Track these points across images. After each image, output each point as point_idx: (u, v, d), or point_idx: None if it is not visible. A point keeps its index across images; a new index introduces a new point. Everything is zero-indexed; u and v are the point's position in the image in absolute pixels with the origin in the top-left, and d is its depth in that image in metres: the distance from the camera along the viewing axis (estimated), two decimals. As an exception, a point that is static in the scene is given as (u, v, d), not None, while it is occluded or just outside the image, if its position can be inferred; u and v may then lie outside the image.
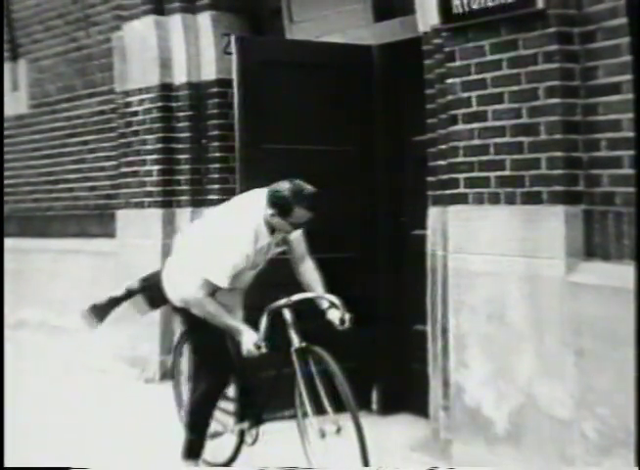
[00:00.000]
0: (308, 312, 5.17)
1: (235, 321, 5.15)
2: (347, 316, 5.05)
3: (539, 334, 5.07)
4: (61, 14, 9.77)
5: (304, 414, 5.19)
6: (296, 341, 5.09)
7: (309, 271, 5.29)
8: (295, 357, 5.09)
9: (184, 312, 5.33)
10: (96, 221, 9.28)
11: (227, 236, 5.06)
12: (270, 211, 5.00)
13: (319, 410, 5.04)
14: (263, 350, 4.98)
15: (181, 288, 5.25)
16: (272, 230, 5.11)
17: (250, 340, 5.01)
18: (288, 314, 5.13)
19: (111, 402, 7.22)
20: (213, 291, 5.09)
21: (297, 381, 5.14)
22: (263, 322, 5.06)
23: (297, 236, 5.25)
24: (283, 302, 5.14)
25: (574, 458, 4.89)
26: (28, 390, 7.39)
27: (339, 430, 4.92)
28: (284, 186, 4.96)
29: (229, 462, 5.58)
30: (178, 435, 6.31)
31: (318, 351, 5.02)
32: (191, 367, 5.90)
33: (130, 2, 8.33)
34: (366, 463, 4.77)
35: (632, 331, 4.41)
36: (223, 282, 5.03)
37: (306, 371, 5.07)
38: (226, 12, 7.96)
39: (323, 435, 5.01)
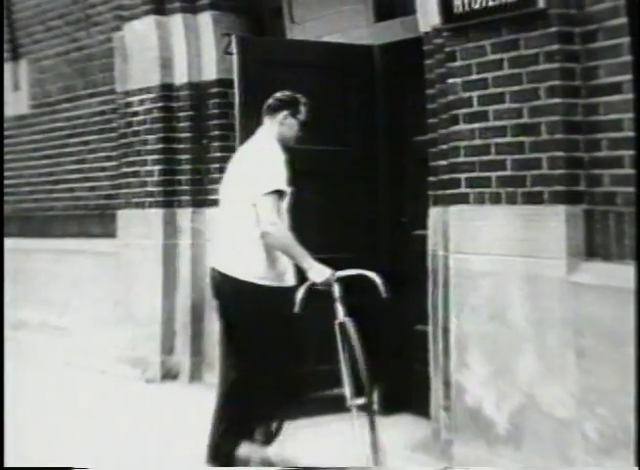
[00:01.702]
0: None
1: (304, 253, 5.17)
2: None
3: (540, 334, 5.06)
4: (61, 14, 9.77)
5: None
6: (340, 315, 5.17)
7: None
8: (337, 331, 5.16)
9: (237, 296, 5.23)
10: (97, 221, 9.28)
11: (257, 155, 5.29)
12: (282, 115, 5.38)
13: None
14: (335, 287, 5.13)
15: (244, 236, 5.20)
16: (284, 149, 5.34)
17: (320, 275, 5.13)
18: (335, 288, 5.19)
19: (111, 403, 7.22)
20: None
21: (338, 354, 5.18)
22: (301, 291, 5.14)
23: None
24: (321, 280, 5.15)
25: (575, 459, 4.88)
26: (28, 390, 7.39)
27: (368, 405, 5.10)
28: (283, 92, 5.49)
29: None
30: (178, 435, 6.32)
31: (348, 326, 5.11)
32: (227, 358, 5.71)
33: (131, 2, 8.33)
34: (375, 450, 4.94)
35: (633, 331, 4.41)
36: (282, 184, 5.16)
37: (348, 346, 5.14)
38: (227, 12, 7.97)
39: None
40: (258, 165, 5.22)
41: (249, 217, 5.20)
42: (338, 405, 5.31)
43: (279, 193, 5.18)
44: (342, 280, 5.22)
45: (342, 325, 5.17)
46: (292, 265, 5.30)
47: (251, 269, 5.20)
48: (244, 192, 5.23)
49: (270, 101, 5.47)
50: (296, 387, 5.39)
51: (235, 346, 5.41)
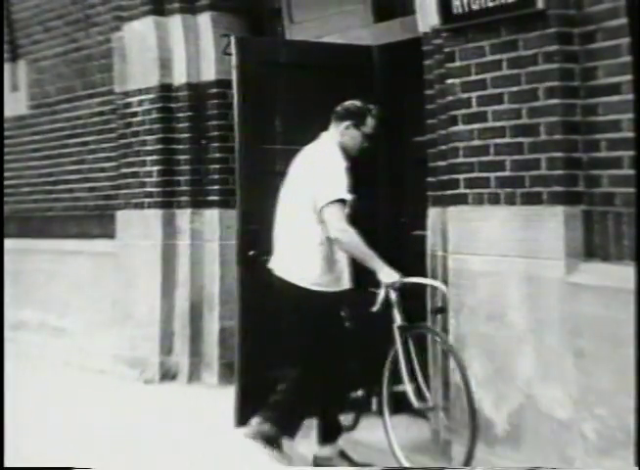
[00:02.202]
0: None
1: (373, 256, 5.34)
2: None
3: (539, 335, 5.06)
4: (60, 14, 9.76)
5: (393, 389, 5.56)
6: (398, 319, 5.39)
7: None
8: (397, 334, 5.40)
9: (304, 297, 5.40)
10: (96, 222, 9.28)
11: (320, 162, 5.42)
12: (345, 124, 5.48)
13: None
14: (393, 292, 5.34)
15: (308, 244, 5.39)
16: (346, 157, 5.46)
17: (389, 276, 5.33)
18: (393, 294, 5.37)
19: (110, 403, 7.22)
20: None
21: (396, 357, 5.43)
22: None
23: None
24: (390, 281, 5.36)
25: (574, 459, 4.88)
26: (28, 390, 7.39)
27: (430, 409, 5.46)
28: (353, 102, 5.54)
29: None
30: (178, 435, 6.32)
31: (435, 331, 5.45)
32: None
33: (130, 3, 8.33)
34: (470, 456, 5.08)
35: (632, 332, 4.41)
36: (344, 193, 5.29)
37: (406, 349, 5.40)
38: (226, 12, 7.98)
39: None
40: (321, 173, 5.37)
41: (308, 223, 5.38)
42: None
43: (342, 201, 5.32)
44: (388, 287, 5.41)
45: (400, 329, 5.40)
46: (348, 270, 5.50)
47: (307, 275, 5.40)
48: (304, 198, 5.39)
49: (338, 108, 5.56)
50: (344, 386, 5.67)
51: (293, 345, 5.58)
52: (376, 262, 5.35)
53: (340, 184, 5.33)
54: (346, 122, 5.51)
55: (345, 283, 5.52)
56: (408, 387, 5.40)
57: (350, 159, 5.52)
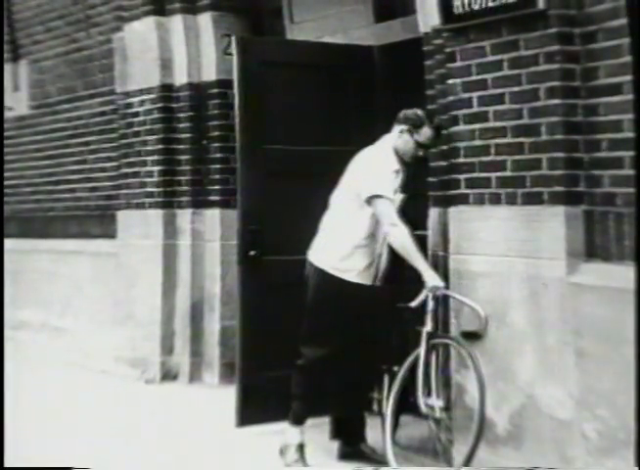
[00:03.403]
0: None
1: (422, 259, 5.47)
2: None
3: (540, 335, 5.06)
4: (61, 15, 9.77)
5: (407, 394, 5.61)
6: (429, 325, 5.47)
7: None
8: (424, 339, 5.47)
9: (326, 282, 5.60)
10: (97, 222, 9.28)
11: (371, 161, 5.59)
12: (400, 128, 5.60)
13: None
14: (441, 290, 5.41)
15: (342, 238, 5.62)
16: (400, 161, 5.62)
17: (432, 279, 5.40)
18: (430, 301, 5.44)
19: (111, 403, 7.22)
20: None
21: (416, 361, 5.50)
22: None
23: None
24: (433, 284, 5.43)
25: (575, 459, 4.88)
26: (28, 390, 7.39)
27: (437, 419, 5.45)
28: (415, 110, 5.64)
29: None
30: (179, 435, 6.32)
31: (461, 342, 5.40)
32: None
33: (131, 3, 8.33)
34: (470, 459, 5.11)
35: (633, 332, 4.41)
36: (387, 191, 5.46)
37: (429, 355, 5.48)
38: (227, 12, 7.97)
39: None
40: (368, 170, 5.57)
41: (347, 215, 5.58)
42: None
43: (389, 200, 5.49)
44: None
45: (428, 335, 5.46)
46: (366, 266, 5.63)
47: (328, 259, 5.61)
48: (350, 193, 5.59)
49: (400, 113, 5.67)
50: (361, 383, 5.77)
51: (308, 324, 5.68)
52: (421, 263, 5.45)
53: (384, 182, 5.51)
54: (402, 127, 5.62)
55: (354, 277, 5.61)
56: (420, 391, 5.44)
57: (405, 164, 5.67)
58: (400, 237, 5.47)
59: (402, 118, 5.64)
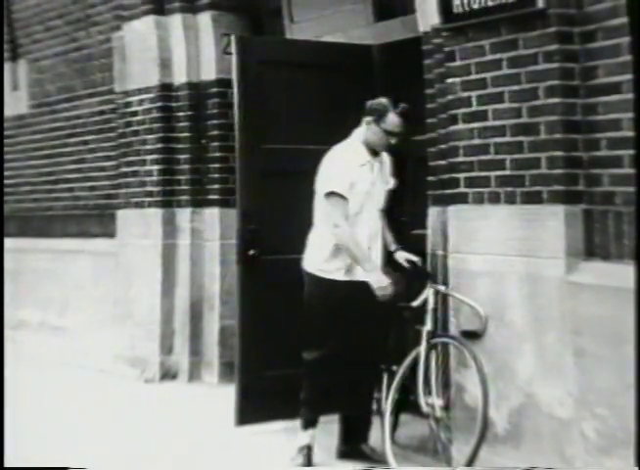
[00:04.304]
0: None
1: (366, 259, 5.51)
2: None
3: (539, 334, 5.06)
4: (61, 14, 9.77)
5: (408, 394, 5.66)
6: (429, 324, 5.52)
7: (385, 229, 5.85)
8: (424, 338, 5.52)
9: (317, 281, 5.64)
10: (96, 221, 9.28)
11: (332, 157, 5.66)
12: (367, 120, 5.60)
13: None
14: (388, 291, 5.48)
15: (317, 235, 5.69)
16: (372, 152, 5.65)
17: (376, 281, 5.48)
18: (431, 298, 5.54)
19: (110, 403, 7.22)
20: (346, 216, 5.52)
21: (417, 360, 5.55)
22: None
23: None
24: (377, 286, 5.51)
25: (574, 458, 4.88)
26: (28, 390, 7.39)
27: (437, 418, 5.47)
28: (380, 99, 5.66)
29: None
30: (177, 435, 6.32)
31: (462, 342, 5.39)
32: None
33: (130, 2, 8.33)
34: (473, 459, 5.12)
35: (632, 331, 4.40)
36: (340, 187, 5.49)
37: (429, 354, 5.52)
38: (226, 12, 7.97)
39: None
40: (327, 167, 5.63)
41: (321, 214, 5.65)
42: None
43: (341, 196, 5.52)
44: (437, 293, 5.59)
45: (429, 334, 5.49)
46: (352, 263, 5.59)
47: (314, 261, 5.66)
48: (318, 190, 5.65)
49: (370, 102, 5.71)
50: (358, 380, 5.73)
51: (305, 328, 5.71)
52: (367, 264, 5.52)
53: (337, 178, 5.54)
54: (368, 118, 5.63)
55: (359, 274, 5.60)
56: (421, 390, 5.46)
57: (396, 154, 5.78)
58: (342, 238, 5.52)
59: (368, 110, 5.65)
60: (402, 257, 5.81)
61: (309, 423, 5.69)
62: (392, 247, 5.85)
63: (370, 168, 5.66)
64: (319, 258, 5.64)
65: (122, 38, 8.45)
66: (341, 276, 5.61)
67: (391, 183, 5.86)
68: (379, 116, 5.60)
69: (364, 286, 5.55)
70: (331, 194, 5.53)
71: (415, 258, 5.78)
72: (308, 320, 5.66)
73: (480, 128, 5.38)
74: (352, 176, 5.56)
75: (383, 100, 5.65)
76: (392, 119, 5.60)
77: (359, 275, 5.60)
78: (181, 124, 8.10)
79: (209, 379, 7.81)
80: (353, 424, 5.84)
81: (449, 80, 5.55)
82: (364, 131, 5.67)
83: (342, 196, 5.52)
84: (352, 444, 5.82)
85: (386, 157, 5.82)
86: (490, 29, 5.26)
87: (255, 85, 6.52)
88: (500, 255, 5.28)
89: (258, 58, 6.56)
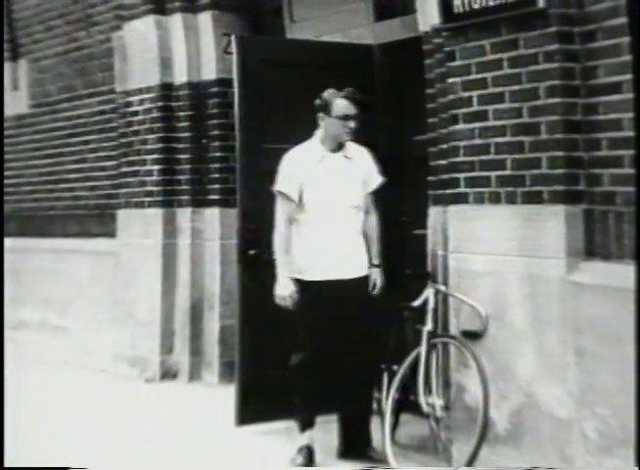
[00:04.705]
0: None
1: (285, 267, 5.54)
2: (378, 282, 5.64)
3: (540, 334, 5.06)
4: (61, 13, 9.76)
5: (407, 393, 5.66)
6: (429, 324, 5.52)
7: (370, 227, 5.75)
8: (424, 339, 5.52)
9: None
10: (96, 221, 9.28)
11: (284, 158, 5.71)
12: (319, 116, 5.62)
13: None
14: (287, 302, 5.52)
15: None
16: (334, 148, 5.62)
17: (279, 288, 5.54)
18: (432, 298, 5.56)
19: (111, 402, 7.22)
20: (290, 217, 5.58)
21: (417, 360, 5.54)
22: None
23: (370, 191, 5.71)
24: (279, 293, 5.57)
25: (575, 458, 4.88)
26: (29, 390, 7.39)
27: (437, 418, 5.48)
28: (321, 94, 5.66)
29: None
30: (177, 434, 6.32)
31: (463, 342, 5.39)
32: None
33: (131, 2, 8.33)
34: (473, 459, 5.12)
35: (633, 331, 4.41)
36: (282, 187, 5.56)
37: (429, 355, 5.53)
38: (227, 11, 7.97)
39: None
40: (281, 166, 5.68)
41: None
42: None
43: (285, 196, 5.56)
44: (438, 293, 5.60)
45: (429, 334, 5.50)
46: (324, 261, 5.57)
47: (291, 263, 5.63)
48: None
49: None
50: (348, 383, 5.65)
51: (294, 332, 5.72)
52: (280, 270, 5.57)
53: (284, 178, 5.63)
54: (319, 115, 5.64)
55: (333, 272, 5.55)
56: (421, 390, 5.46)
57: (344, 147, 5.68)
58: (273, 240, 5.60)
59: (316, 108, 5.66)
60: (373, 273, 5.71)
61: (306, 425, 5.68)
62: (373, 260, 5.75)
63: (329, 164, 5.62)
64: (294, 260, 5.61)
65: (123, 38, 8.45)
66: (314, 276, 5.57)
67: (374, 179, 5.77)
68: (326, 107, 5.60)
69: (344, 284, 5.53)
70: (277, 193, 5.60)
71: (377, 283, 5.70)
72: (295, 323, 5.64)
73: (480, 128, 5.38)
74: (304, 175, 5.57)
75: (323, 93, 5.66)
76: (340, 104, 5.58)
77: (336, 274, 5.55)
78: (181, 124, 8.10)
79: (210, 379, 7.81)
80: (351, 426, 5.79)
81: (450, 80, 5.55)
82: (321, 129, 5.66)
83: (286, 196, 5.57)
84: (354, 447, 5.75)
85: (358, 151, 5.75)
86: (491, 29, 5.26)
87: (256, 85, 6.51)
88: (501, 254, 5.28)
89: (259, 58, 6.56)
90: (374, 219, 5.77)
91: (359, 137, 6.52)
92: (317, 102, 5.67)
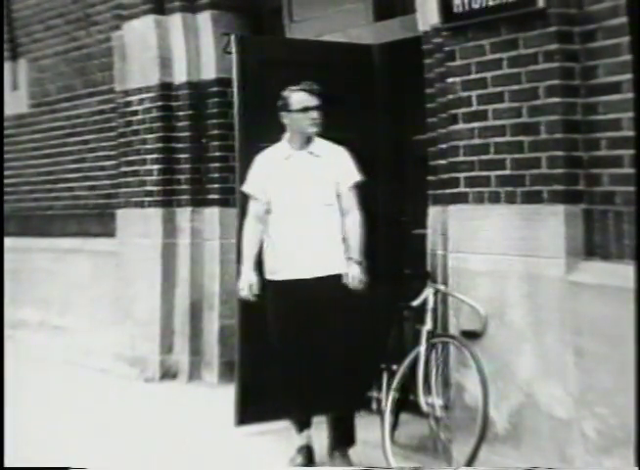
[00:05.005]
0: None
1: (248, 260, 5.54)
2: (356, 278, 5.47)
3: (539, 333, 5.06)
4: (61, 13, 9.77)
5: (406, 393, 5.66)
6: (429, 323, 5.53)
7: (348, 225, 5.58)
8: (424, 338, 5.51)
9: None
10: (96, 221, 9.28)
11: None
12: (281, 116, 5.58)
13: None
14: (250, 295, 5.51)
15: None
16: (300, 145, 5.57)
17: (241, 281, 5.55)
18: (431, 298, 5.57)
19: (110, 402, 7.22)
20: (258, 216, 5.57)
21: (417, 359, 5.53)
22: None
23: (345, 190, 5.57)
24: (239, 285, 5.61)
25: (574, 458, 4.88)
26: (28, 390, 7.39)
27: (437, 418, 5.48)
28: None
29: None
30: (177, 434, 6.32)
31: (463, 342, 5.38)
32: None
33: (130, 1, 8.33)
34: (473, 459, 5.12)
35: (632, 331, 4.41)
36: (248, 187, 5.63)
37: (429, 354, 5.53)
38: (226, 11, 7.97)
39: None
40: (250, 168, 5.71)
41: None
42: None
43: (252, 196, 5.61)
44: (437, 293, 5.62)
45: (429, 333, 5.51)
46: (289, 261, 5.49)
47: (264, 265, 5.63)
48: None
49: None
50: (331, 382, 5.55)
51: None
52: (242, 262, 5.58)
53: (250, 178, 5.68)
54: (281, 114, 5.59)
55: (301, 272, 5.45)
56: (421, 390, 5.45)
57: (311, 143, 5.60)
58: (242, 235, 5.64)
59: (278, 109, 5.61)
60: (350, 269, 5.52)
61: (302, 425, 5.67)
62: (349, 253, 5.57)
63: (295, 162, 5.55)
64: (265, 262, 5.58)
65: (122, 38, 8.45)
66: (283, 276, 5.50)
67: (347, 177, 5.58)
68: (284, 104, 5.55)
69: (313, 283, 5.43)
70: (246, 193, 5.66)
71: (355, 278, 5.48)
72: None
73: (480, 128, 5.38)
74: (269, 174, 5.56)
75: (285, 91, 5.62)
76: (296, 97, 5.52)
77: (305, 273, 5.44)
78: (181, 124, 8.10)
79: (209, 378, 7.81)
80: (335, 426, 5.66)
81: (449, 80, 5.55)
82: (287, 129, 5.62)
83: (252, 196, 5.60)
84: (338, 446, 5.66)
85: (329, 149, 5.62)
86: (490, 29, 5.26)
87: (255, 84, 6.51)
88: (500, 254, 5.28)
89: (258, 57, 6.56)
90: (352, 219, 5.56)
91: (359, 136, 6.55)
92: (278, 103, 5.61)
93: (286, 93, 5.60)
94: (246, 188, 5.66)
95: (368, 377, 5.87)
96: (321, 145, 5.63)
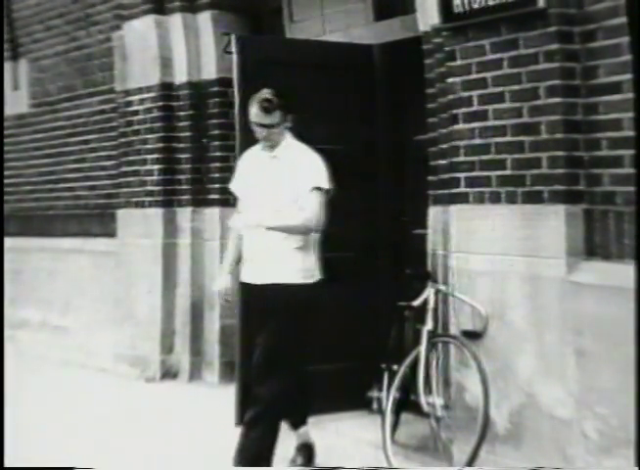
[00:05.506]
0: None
1: (225, 264, 5.55)
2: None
3: (540, 333, 5.06)
4: (61, 13, 9.76)
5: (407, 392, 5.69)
6: (429, 324, 5.55)
7: (297, 218, 5.27)
8: (424, 338, 5.53)
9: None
10: (97, 221, 9.28)
11: None
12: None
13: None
14: (221, 298, 5.48)
15: None
16: (268, 147, 5.42)
17: (216, 284, 5.55)
18: (432, 298, 5.60)
19: (111, 402, 7.22)
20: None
21: (417, 359, 5.55)
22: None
23: (304, 194, 5.22)
24: (215, 287, 5.59)
25: (575, 458, 4.88)
26: (28, 390, 7.39)
27: (438, 418, 5.48)
28: None
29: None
30: (177, 434, 6.32)
31: (463, 341, 5.40)
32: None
33: (130, 1, 8.33)
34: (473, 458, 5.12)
35: (633, 330, 4.41)
36: (232, 184, 5.62)
37: (429, 354, 5.54)
38: (226, 11, 7.97)
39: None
40: None
41: None
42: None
43: (234, 194, 5.64)
44: (438, 293, 5.63)
45: (429, 333, 5.52)
46: (251, 264, 5.39)
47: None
48: None
49: None
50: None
51: None
52: (221, 268, 5.61)
53: (234, 176, 5.65)
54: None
55: (266, 277, 5.30)
56: (421, 390, 5.46)
57: (277, 146, 5.41)
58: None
59: None
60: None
61: (297, 423, 5.65)
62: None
63: (256, 164, 5.46)
64: (243, 266, 5.48)
65: (123, 38, 8.45)
66: (246, 278, 5.42)
67: (307, 182, 5.25)
68: (253, 116, 5.35)
69: (268, 289, 5.29)
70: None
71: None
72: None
73: (480, 128, 5.38)
74: (243, 172, 5.56)
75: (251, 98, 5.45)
76: (252, 112, 5.32)
77: (260, 278, 5.33)
78: (182, 124, 8.10)
79: (210, 378, 7.82)
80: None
81: (450, 80, 5.55)
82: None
83: (234, 194, 5.63)
84: (291, 420, 5.62)
85: (295, 152, 5.38)
86: (491, 29, 5.26)
87: (256, 84, 6.48)
88: (501, 254, 5.28)
89: (259, 57, 6.56)
90: (302, 214, 5.24)
91: (359, 136, 6.55)
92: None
93: (250, 100, 5.40)
94: (231, 187, 5.66)
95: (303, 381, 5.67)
96: (289, 149, 5.40)
